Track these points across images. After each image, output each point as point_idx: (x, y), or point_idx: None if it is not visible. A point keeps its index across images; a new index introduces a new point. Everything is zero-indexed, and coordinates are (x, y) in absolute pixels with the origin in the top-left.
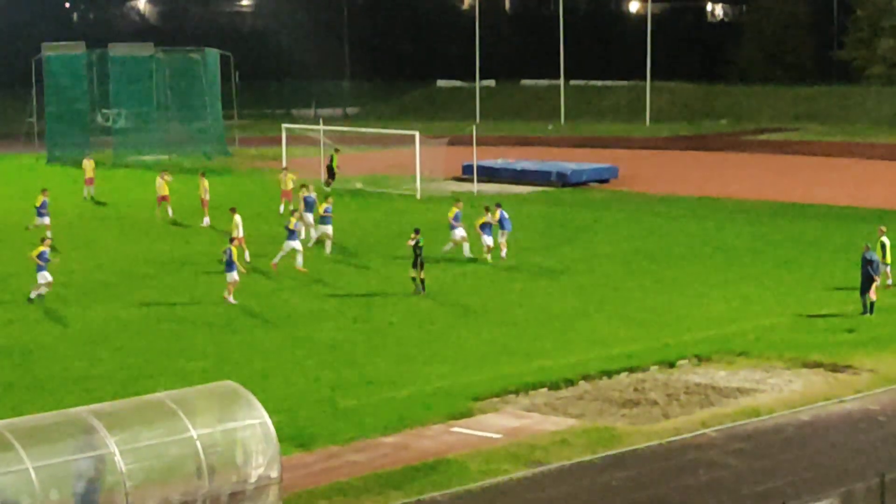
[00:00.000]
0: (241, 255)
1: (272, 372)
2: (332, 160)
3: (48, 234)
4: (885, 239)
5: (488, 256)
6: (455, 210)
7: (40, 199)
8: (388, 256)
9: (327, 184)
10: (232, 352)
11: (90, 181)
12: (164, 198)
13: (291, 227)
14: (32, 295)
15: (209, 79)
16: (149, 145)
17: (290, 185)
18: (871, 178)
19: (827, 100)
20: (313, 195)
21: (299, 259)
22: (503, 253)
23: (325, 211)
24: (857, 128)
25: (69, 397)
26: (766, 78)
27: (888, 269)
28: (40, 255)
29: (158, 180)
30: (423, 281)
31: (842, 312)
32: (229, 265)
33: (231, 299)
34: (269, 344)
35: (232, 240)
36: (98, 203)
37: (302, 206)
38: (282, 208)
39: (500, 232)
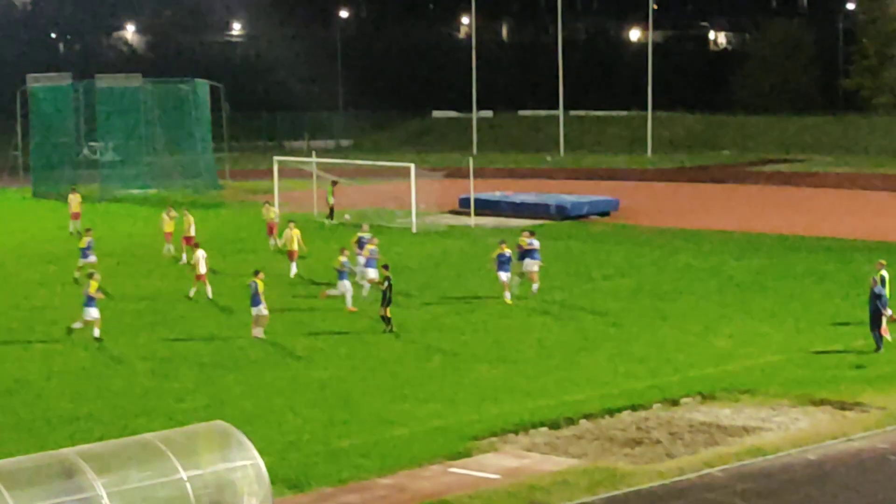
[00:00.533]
0: (202, 290)
1: (264, 411)
2: (328, 193)
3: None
4: (884, 272)
5: (507, 296)
6: (499, 251)
7: (85, 241)
8: (376, 297)
9: (328, 218)
10: (223, 391)
11: (76, 216)
12: (169, 234)
13: (338, 266)
14: (75, 325)
15: (199, 110)
16: (137, 179)
17: (274, 217)
18: (879, 210)
19: (833, 130)
20: (367, 235)
21: (348, 299)
22: (534, 287)
23: (371, 253)
24: (865, 158)
25: (55, 438)
26: (771, 107)
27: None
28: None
29: (164, 217)
30: (385, 318)
31: (850, 348)
32: (255, 299)
33: (260, 334)
34: (261, 382)
35: (257, 272)
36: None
37: (354, 246)
38: (272, 242)
39: (531, 262)
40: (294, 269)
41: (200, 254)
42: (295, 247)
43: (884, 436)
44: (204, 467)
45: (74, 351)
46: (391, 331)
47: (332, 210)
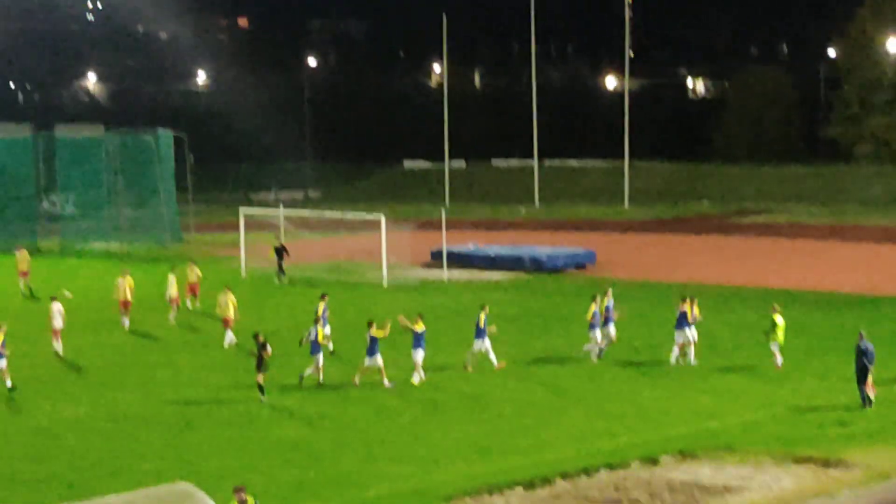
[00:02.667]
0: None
1: (230, 472)
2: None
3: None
4: (777, 318)
5: (686, 357)
6: (593, 308)
7: (321, 306)
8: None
9: (279, 274)
10: (187, 451)
11: (24, 274)
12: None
13: (589, 318)
14: (307, 373)
15: (162, 161)
16: (98, 232)
17: (195, 279)
18: (861, 262)
19: (814, 180)
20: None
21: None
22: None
23: (594, 317)
24: (846, 209)
25: (14, 501)
26: (751, 157)
27: (776, 346)
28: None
29: (171, 277)
30: (261, 386)
31: (833, 404)
32: (371, 349)
33: (387, 383)
34: (227, 442)
35: (371, 324)
36: (33, 297)
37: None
38: (189, 303)
39: (687, 332)
40: (230, 338)
41: (56, 307)
42: (230, 314)
43: (869, 495)
44: None
45: (32, 411)
46: (262, 399)
47: (280, 266)
